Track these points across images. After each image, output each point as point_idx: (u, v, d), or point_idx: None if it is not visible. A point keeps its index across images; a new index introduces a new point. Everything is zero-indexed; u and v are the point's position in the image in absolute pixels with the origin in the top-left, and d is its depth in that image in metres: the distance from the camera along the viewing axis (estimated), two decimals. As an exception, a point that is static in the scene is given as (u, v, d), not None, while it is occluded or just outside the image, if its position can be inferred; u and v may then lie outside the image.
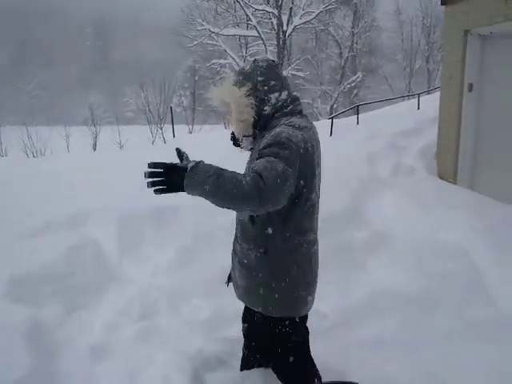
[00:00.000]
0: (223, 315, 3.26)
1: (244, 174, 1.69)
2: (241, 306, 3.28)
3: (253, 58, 2.13)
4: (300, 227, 2.00)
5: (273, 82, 2.04)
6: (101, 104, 34.89)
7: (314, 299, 2.17)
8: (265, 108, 2.03)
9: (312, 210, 2.03)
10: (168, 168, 1.67)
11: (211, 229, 4.17)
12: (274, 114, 2.03)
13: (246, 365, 2.48)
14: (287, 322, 2.12)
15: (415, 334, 3.03)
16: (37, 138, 18.38)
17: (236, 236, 2.21)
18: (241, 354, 2.52)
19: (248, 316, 2.37)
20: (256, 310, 2.13)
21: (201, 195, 1.67)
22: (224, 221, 4.09)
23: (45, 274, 3.41)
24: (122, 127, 21.78)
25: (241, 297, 2.22)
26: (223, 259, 3.73)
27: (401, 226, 4.40)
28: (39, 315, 2.99)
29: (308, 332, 2.27)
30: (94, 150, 19.94)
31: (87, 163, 7.91)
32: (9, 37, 57.08)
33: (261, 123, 2.04)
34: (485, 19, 5.51)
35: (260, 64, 2.07)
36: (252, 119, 2.03)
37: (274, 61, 2.14)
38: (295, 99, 2.09)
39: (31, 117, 29.07)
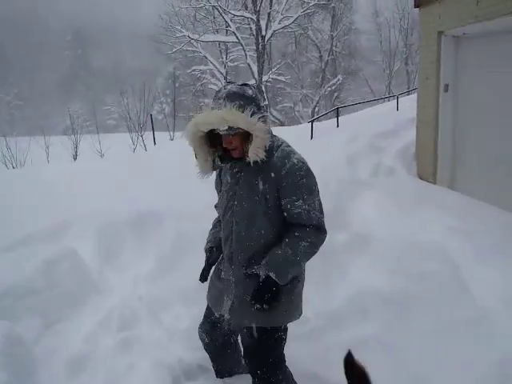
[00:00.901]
0: None
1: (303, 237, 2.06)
2: None
3: (239, 83, 2.10)
4: None
5: (264, 113, 2.05)
6: (81, 113, 34.51)
7: None
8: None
9: None
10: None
11: (192, 237, 4.11)
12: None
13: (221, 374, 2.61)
14: (285, 327, 2.23)
15: (397, 334, 3.02)
16: (16, 148, 18.01)
17: (248, 261, 2.15)
18: None
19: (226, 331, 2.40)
20: (267, 325, 2.15)
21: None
22: (205, 229, 4.15)
23: (22, 287, 3.31)
24: (103, 135, 21.52)
25: (251, 320, 2.15)
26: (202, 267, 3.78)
27: (381, 226, 4.40)
28: (15, 330, 2.90)
29: None
30: (75, 159, 19.70)
31: (67, 174, 7.82)
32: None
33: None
34: (457, 20, 5.60)
35: (250, 89, 2.06)
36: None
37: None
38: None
39: (11, 127, 28.53)
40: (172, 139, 19.59)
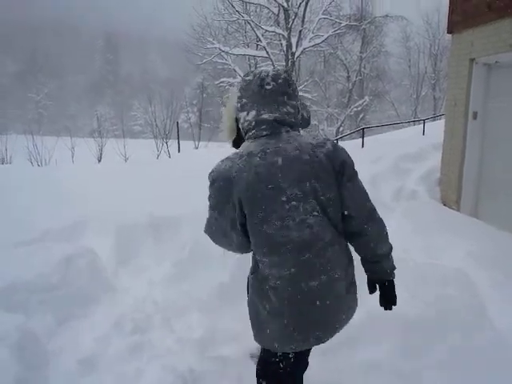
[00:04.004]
0: (217, 334, 3.20)
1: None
2: (236, 325, 3.22)
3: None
4: None
5: (244, 100, 1.88)
6: (108, 116, 35.11)
7: None
8: (239, 127, 1.96)
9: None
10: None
11: (209, 245, 4.06)
12: (245, 134, 1.92)
13: None
14: None
15: (412, 360, 2.94)
16: (42, 147, 18.38)
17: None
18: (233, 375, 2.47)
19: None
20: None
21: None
22: None
23: (36, 283, 3.34)
24: (128, 140, 21.87)
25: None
26: (221, 275, 3.75)
27: (401, 250, 4.33)
28: (28, 325, 2.92)
29: None
30: (99, 161, 20.00)
31: (90, 174, 7.90)
32: (20, 47, 57.90)
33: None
34: (490, 49, 5.58)
35: (244, 78, 1.93)
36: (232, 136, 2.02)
37: (264, 74, 1.89)
38: (261, 122, 1.83)
39: (38, 126, 29.07)
40: (197, 148, 19.77)
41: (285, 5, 22.97)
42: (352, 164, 1.86)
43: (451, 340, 3.07)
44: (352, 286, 1.96)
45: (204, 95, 40.64)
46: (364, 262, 1.98)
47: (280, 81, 1.84)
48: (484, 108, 6.10)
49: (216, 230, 1.93)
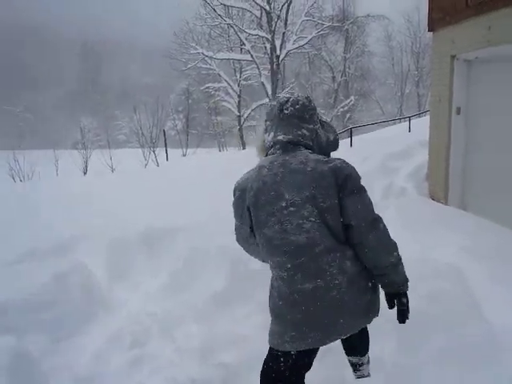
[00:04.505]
0: (216, 341, 3.20)
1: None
2: (235, 330, 3.25)
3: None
4: None
5: (268, 123, 2.11)
6: (92, 127, 34.74)
7: None
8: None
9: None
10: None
11: (205, 253, 4.12)
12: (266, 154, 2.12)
13: None
14: None
15: (412, 356, 2.93)
16: (24, 161, 18.04)
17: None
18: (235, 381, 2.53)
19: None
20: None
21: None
22: (218, 245, 4.13)
23: (29, 302, 3.29)
24: (113, 151, 21.67)
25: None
26: (216, 284, 3.75)
27: None
28: (22, 345, 2.86)
29: None
30: (85, 173, 19.82)
31: (77, 187, 7.81)
32: (-4, 58, 56.77)
33: None
34: (470, 45, 5.65)
35: (270, 103, 2.19)
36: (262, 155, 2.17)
37: (285, 99, 2.09)
38: (276, 143, 2.03)
39: (19, 140, 28.61)
40: (184, 155, 19.69)
41: (267, 8, 23.04)
42: (357, 178, 1.94)
43: (446, 334, 3.06)
44: (361, 294, 1.98)
45: (190, 101, 40.57)
46: (374, 275, 2.04)
47: (298, 106, 2.05)
48: (467, 103, 6.18)
49: (241, 238, 2.15)
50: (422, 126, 10.20)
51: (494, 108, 5.64)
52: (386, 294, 2.08)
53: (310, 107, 2.09)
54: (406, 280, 2.07)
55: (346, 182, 1.88)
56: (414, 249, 4.27)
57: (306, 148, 2.03)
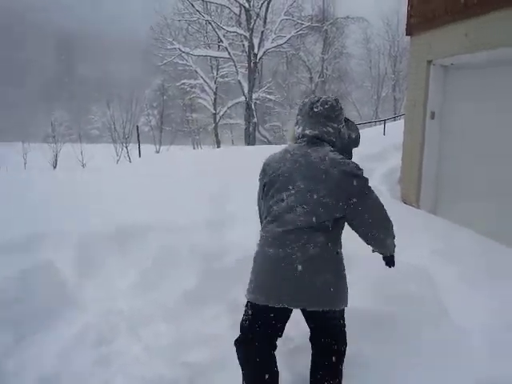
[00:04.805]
0: (185, 340, 3.17)
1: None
2: (206, 330, 3.25)
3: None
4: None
5: (299, 117, 2.49)
6: (64, 120, 33.83)
7: None
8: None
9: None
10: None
11: (176, 251, 4.07)
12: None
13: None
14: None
15: (382, 358, 2.96)
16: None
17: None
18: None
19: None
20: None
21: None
22: (192, 242, 4.13)
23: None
24: (85, 145, 21.14)
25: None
26: (187, 283, 3.71)
27: (364, 248, 4.28)
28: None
29: None
30: (54, 168, 19.30)
31: (46, 182, 7.52)
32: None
33: None
34: (446, 51, 5.74)
35: (303, 100, 2.55)
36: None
37: (316, 99, 2.44)
38: (304, 136, 2.40)
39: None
40: (158, 152, 19.36)
41: (246, 5, 22.92)
42: (366, 180, 2.29)
43: (416, 336, 3.11)
44: (319, 275, 2.19)
45: (165, 97, 40.09)
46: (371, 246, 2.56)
47: (326, 106, 2.39)
48: (442, 108, 6.27)
49: (258, 197, 2.56)
50: (396, 129, 10.28)
51: (468, 114, 5.74)
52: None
53: (337, 108, 2.42)
54: (395, 246, 2.59)
55: (355, 184, 2.22)
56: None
57: (329, 144, 2.37)
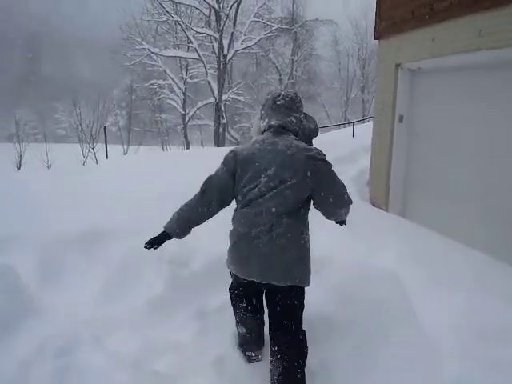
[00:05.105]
0: (150, 349, 3.09)
1: None
2: (173, 337, 3.19)
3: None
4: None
5: (263, 112, 2.71)
6: (29, 120, 32.83)
7: None
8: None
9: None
10: None
11: (142, 256, 3.92)
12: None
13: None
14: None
15: (348, 361, 2.97)
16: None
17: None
18: None
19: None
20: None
21: None
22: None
23: None
24: (51, 145, 20.50)
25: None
26: (153, 289, 3.65)
27: (332, 251, 4.35)
28: None
29: None
30: (18, 169, 18.71)
31: (8, 184, 7.25)
32: None
33: None
34: (413, 55, 5.79)
35: (265, 97, 2.77)
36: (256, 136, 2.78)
37: (277, 94, 2.68)
38: (270, 126, 2.63)
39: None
40: (125, 153, 19.00)
41: (216, 6, 22.82)
42: (329, 164, 2.50)
43: (383, 340, 3.10)
44: (283, 253, 2.47)
45: (133, 97, 39.50)
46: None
47: (287, 99, 2.64)
48: (409, 112, 6.32)
49: (216, 179, 2.62)
50: (365, 131, 10.37)
51: (435, 117, 5.81)
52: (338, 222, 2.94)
53: (297, 100, 2.68)
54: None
55: (320, 167, 2.44)
56: (354, 254, 4.32)
57: (293, 133, 2.62)
